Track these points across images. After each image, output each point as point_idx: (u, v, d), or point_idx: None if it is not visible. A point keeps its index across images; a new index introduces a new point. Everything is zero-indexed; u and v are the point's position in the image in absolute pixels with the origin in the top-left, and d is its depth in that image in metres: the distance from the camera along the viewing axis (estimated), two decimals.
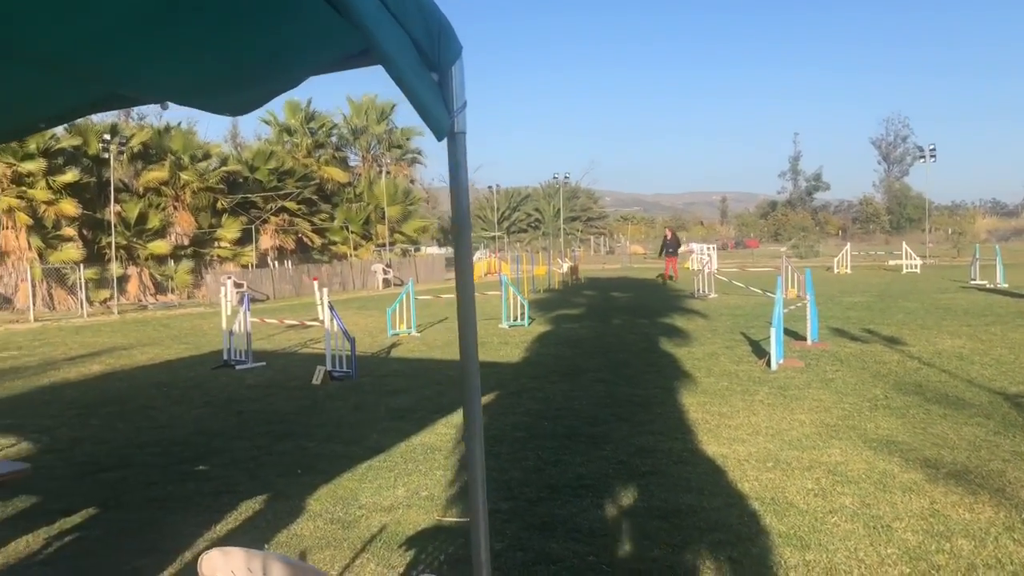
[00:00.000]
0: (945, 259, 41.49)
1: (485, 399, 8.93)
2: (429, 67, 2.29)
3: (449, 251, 58.21)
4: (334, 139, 44.61)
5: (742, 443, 6.66)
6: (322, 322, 11.20)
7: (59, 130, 30.27)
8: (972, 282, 23.57)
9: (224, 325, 12.38)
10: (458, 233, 2.37)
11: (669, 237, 32.31)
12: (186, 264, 33.25)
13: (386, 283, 35.45)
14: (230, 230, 34.90)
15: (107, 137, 26.83)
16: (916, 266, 31.58)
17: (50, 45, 2.51)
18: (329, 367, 10.54)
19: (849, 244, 33.98)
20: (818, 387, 8.98)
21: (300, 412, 8.66)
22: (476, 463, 2.44)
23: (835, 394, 8.59)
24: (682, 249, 39.95)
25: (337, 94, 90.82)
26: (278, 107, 42.39)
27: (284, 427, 7.94)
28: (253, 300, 30.49)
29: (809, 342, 12.20)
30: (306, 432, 7.71)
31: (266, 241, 36.80)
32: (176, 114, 40.20)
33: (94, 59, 2.53)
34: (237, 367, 11.81)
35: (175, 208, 33.38)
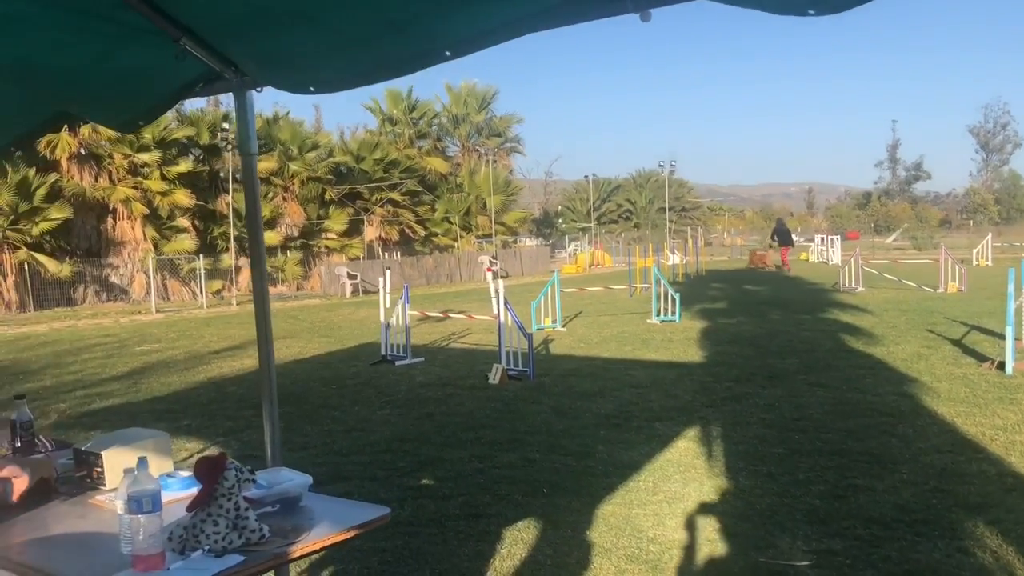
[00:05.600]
0: None
1: (702, 406, 7.98)
2: None
3: (543, 242, 57.42)
4: (434, 128, 44.17)
5: None
6: (496, 316, 10.39)
7: (172, 121, 30.47)
8: None
9: (382, 318, 11.68)
10: None
11: (784, 228, 32.43)
12: (295, 255, 33.17)
13: (494, 275, 34.70)
14: (337, 221, 34.71)
15: (226, 126, 26.70)
16: None
17: None
18: (504, 364, 9.73)
19: (990, 235, 31.76)
20: None
21: (497, 416, 7.84)
22: None
23: None
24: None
25: (436, 82, 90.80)
26: (380, 96, 42.17)
27: (491, 434, 7.13)
28: (365, 292, 30.26)
29: None
30: (519, 440, 6.87)
31: (371, 232, 36.52)
32: (287, 104, 40.30)
33: None
34: (396, 363, 11.11)
35: (284, 199, 33.31)
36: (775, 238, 32.85)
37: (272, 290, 31.80)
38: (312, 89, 2.54)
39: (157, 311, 24.26)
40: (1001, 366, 9.24)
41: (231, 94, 3.04)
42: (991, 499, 4.98)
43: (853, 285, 20.62)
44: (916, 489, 5.21)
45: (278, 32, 2.36)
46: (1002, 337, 9.96)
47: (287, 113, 34.72)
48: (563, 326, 14.99)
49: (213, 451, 6.88)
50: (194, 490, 2.36)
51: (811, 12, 1.73)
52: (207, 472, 2.29)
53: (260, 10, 2.27)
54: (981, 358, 10.01)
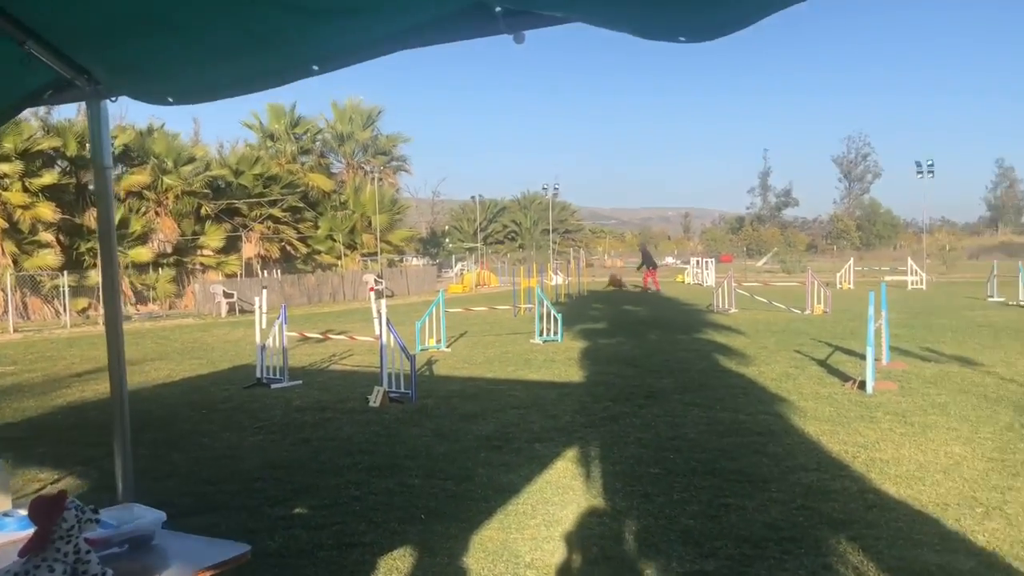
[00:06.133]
0: (934, 275, 41.39)
1: (582, 426, 8.03)
2: None
3: (429, 261, 57.25)
4: (318, 145, 43.45)
5: (921, 482, 5.84)
6: (378, 337, 10.20)
7: (37, 131, 28.90)
8: (991, 299, 23.18)
9: (258, 339, 11.29)
10: None
11: (646, 252, 34.36)
12: (168, 272, 31.86)
13: (378, 294, 34.28)
14: (214, 237, 33.58)
15: None
16: (922, 282, 31.22)
17: None
18: (386, 387, 9.55)
19: (852, 260, 33.61)
20: (936, 413, 8.22)
21: (377, 440, 7.67)
22: None
23: (963, 421, 7.83)
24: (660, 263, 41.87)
25: (321, 99, 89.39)
26: (262, 110, 41.21)
27: (369, 459, 6.96)
28: (242, 311, 29.31)
29: (884, 362, 11.46)
30: (397, 465, 6.73)
31: (250, 249, 35.51)
32: (163, 116, 38.34)
33: None
34: (272, 386, 10.76)
35: (157, 214, 32.03)
36: (646, 263, 34.15)
37: (143, 308, 30.44)
38: (171, 100, 2.40)
39: (15, 331, 22.82)
40: (862, 385, 9.69)
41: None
42: (853, 516, 5.17)
43: (726, 306, 21.36)
44: (784, 507, 5.36)
45: (133, 40, 2.21)
46: (863, 357, 10.46)
47: (162, 125, 33.48)
48: (447, 347, 14.89)
49: (66, 483, 6.47)
50: (32, 531, 2.17)
51: (682, 39, 1.73)
52: (44, 513, 2.11)
53: (113, 16, 2.13)
54: (844, 378, 10.49)
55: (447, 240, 72.38)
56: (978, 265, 49.26)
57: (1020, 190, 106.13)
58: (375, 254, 40.34)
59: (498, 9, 1.93)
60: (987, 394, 9.16)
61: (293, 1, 1.92)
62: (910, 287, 30.85)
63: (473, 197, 69.59)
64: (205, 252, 33.67)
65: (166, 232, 31.96)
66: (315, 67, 2.11)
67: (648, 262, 33.57)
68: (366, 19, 1.98)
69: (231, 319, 25.99)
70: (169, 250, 32.22)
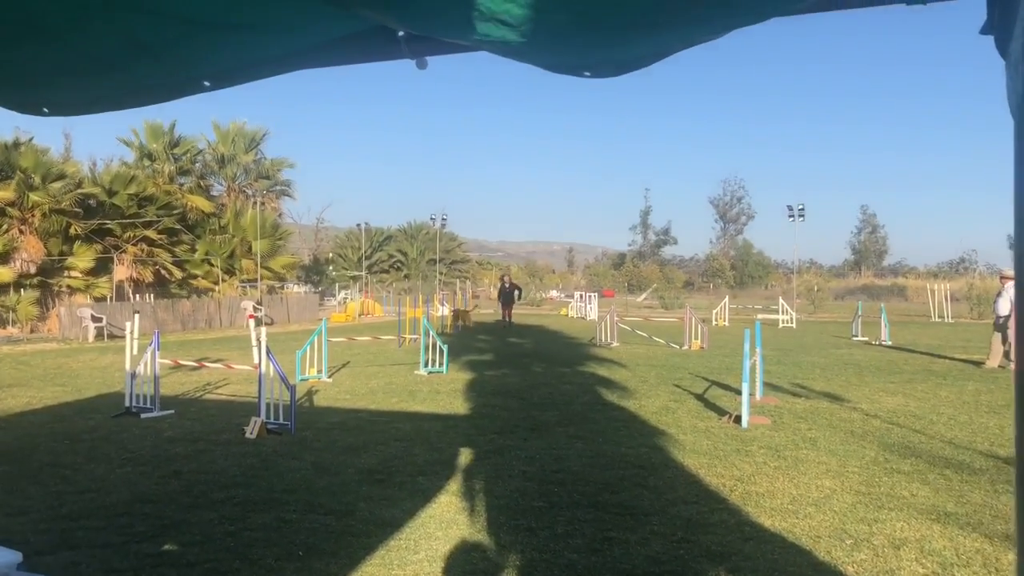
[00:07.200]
0: (803, 314, 43.38)
1: (466, 459, 7.97)
2: None
3: (312, 289, 56.15)
4: (198, 166, 42.09)
5: (795, 515, 6.04)
6: (256, 365, 9.86)
7: None
8: (855, 338, 24.43)
9: (128, 365, 10.74)
10: None
11: (508, 286, 32.87)
12: (31, 294, 30.06)
13: (257, 322, 33.29)
14: (83, 259, 31.91)
15: None
16: (792, 320, 32.63)
17: None
18: (264, 418, 9.23)
19: (727, 297, 34.90)
20: (807, 448, 8.56)
21: (253, 474, 7.39)
22: None
23: (832, 455, 8.18)
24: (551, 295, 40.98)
25: (202, 119, 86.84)
26: (139, 128, 39.68)
27: (245, 493, 6.69)
28: (112, 336, 27.94)
29: (757, 397, 11.87)
30: (275, 500, 6.50)
31: (122, 272, 33.93)
32: (32, 129, 36.07)
33: None
34: (142, 415, 10.24)
35: (21, 232, 30.25)
36: (510, 294, 33.10)
37: (1, 332, 28.58)
38: (46, 111, 2.25)
39: None
40: (738, 420, 10.00)
41: None
42: (731, 548, 5.29)
43: (609, 340, 21.74)
44: (665, 540, 5.43)
45: (3, 45, 2.07)
46: (739, 392, 10.81)
47: (31, 138, 31.74)
48: (329, 377, 14.57)
49: None
50: None
51: (586, 74, 1.74)
52: None
53: None
54: (721, 412, 10.79)
55: (330, 268, 71.23)
56: (843, 305, 51.99)
57: (881, 236, 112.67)
58: (255, 280, 39.26)
59: (401, 33, 1.90)
60: (853, 429, 9.60)
61: (187, 13, 1.83)
62: (781, 325, 32.19)
63: (358, 225, 68.81)
64: (73, 274, 31.95)
65: (30, 251, 30.20)
66: (207, 83, 2.03)
67: (505, 297, 32.66)
68: (264, 36, 1.91)
69: (99, 344, 24.71)
70: (33, 270, 30.45)
